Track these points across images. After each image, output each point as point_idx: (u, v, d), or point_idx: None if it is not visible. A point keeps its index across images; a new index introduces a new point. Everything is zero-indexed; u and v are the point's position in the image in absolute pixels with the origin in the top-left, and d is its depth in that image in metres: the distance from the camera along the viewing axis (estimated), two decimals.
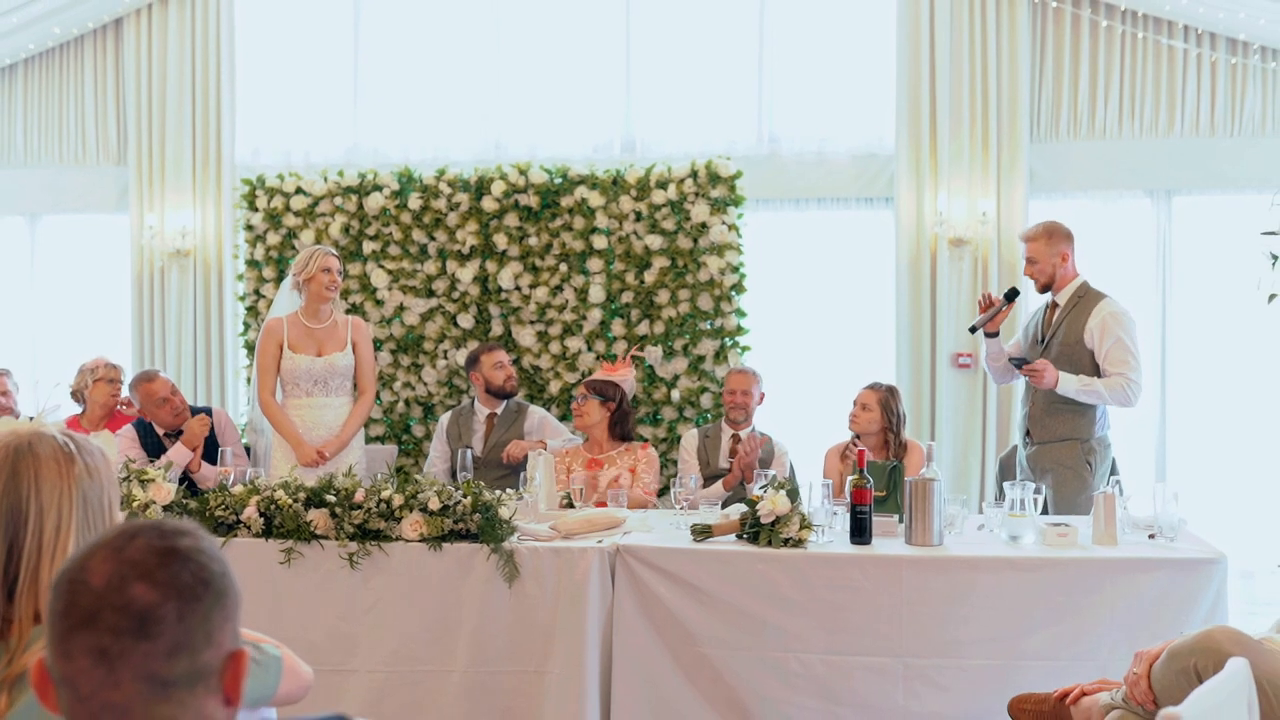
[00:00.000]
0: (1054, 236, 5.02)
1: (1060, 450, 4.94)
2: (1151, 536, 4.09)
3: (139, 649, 1.27)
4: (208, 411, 5.67)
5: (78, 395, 5.96)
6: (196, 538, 1.36)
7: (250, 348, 6.52)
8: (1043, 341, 5.08)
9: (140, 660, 1.28)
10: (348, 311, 6.34)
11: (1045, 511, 4.86)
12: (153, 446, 5.51)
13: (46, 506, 1.82)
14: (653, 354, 6.42)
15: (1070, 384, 4.87)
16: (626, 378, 5.65)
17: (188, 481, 5.29)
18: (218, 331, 7.63)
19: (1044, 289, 5.09)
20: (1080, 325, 4.93)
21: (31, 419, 1.97)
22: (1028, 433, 5.11)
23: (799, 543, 4.02)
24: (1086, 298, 4.99)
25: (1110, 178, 7.10)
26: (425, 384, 6.70)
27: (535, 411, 5.90)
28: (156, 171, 7.72)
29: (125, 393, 5.94)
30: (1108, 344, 4.85)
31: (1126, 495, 4.25)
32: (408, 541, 4.09)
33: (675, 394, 6.43)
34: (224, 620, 1.34)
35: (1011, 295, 5.16)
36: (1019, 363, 5.09)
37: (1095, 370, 4.90)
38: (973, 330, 5.18)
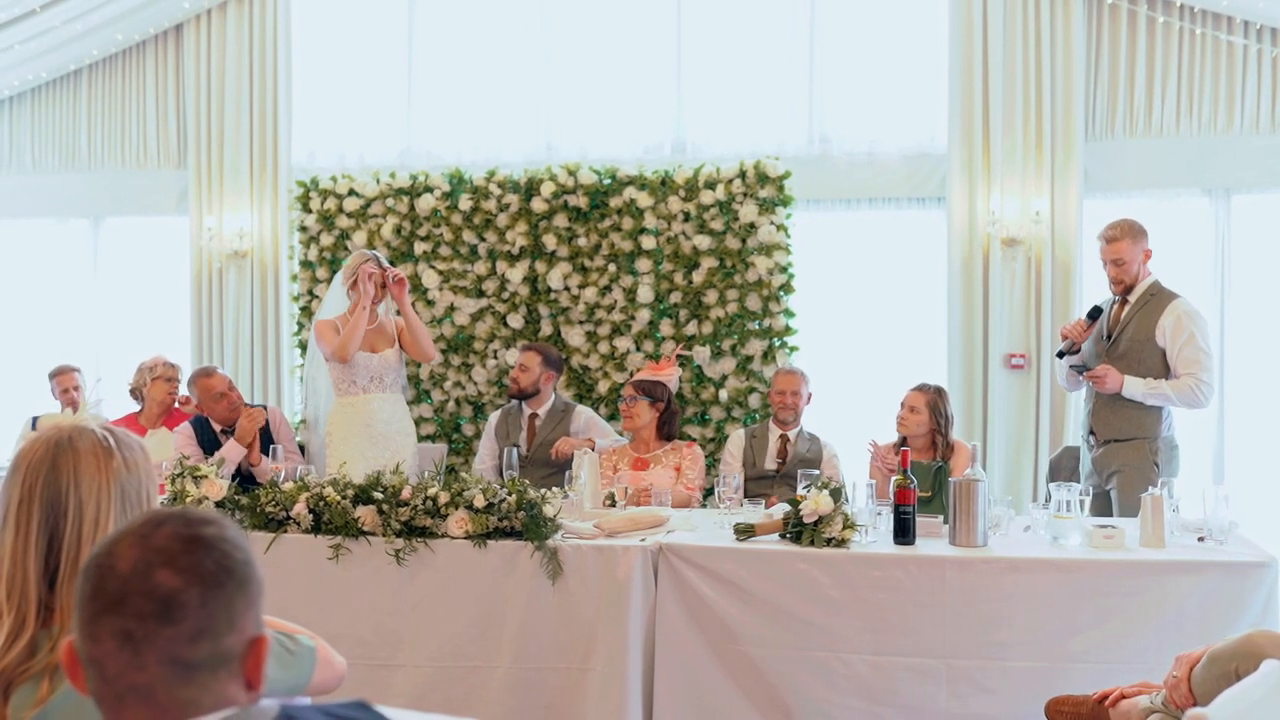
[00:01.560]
0: (1138, 234, 4.94)
1: (1127, 450, 4.87)
2: (1201, 539, 4.03)
3: (163, 633, 1.32)
4: (263, 409, 5.76)
5: (136, 393, 6.09)
6: (221, 526, 1.40)
7: (304, 347, 6.62)
8: (1109, 338, 4.97)
9: (164, 644, 1.32)
10: (398, 312, 6.43)
11: (1110, 513, 4.81)
12: (209, 443, 5.61)
13: (85, 499, 1.88)
14: (701, 354, 6.43)
15: (1136, 387, 4.78)
16: (672, 376, 5.66)
17: (240, 477, 5.36)
18: (274, 331, 7.75)
19: (1127, 290, 4.97)
20: (1152, 323, 4.84)
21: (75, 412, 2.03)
22: (1091, 432, 5.02)
23: (842, 542, 4.01)
24: (1159, 296, 4.90)
25: (1167, 176, 6.98)
26: (475, 383, 6.76)
27: (582, 411, 5.94)
28: (215, 174, 7.86)
29: (184, 391, 6.07)
30: (1180, 342, 4.76)
31: (1176, 497, 4.18)
32: (453, 538, 4.14)
33: (723, 394, 6.44)
34: (246, 607, 1.38)
35: (1094, 314, 5.06)
36: (1080, 369, 5.01)
37: (1164, 368, 4.81)
38: (1060, 355, 5.15)
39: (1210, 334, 4.90)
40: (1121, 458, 4.87)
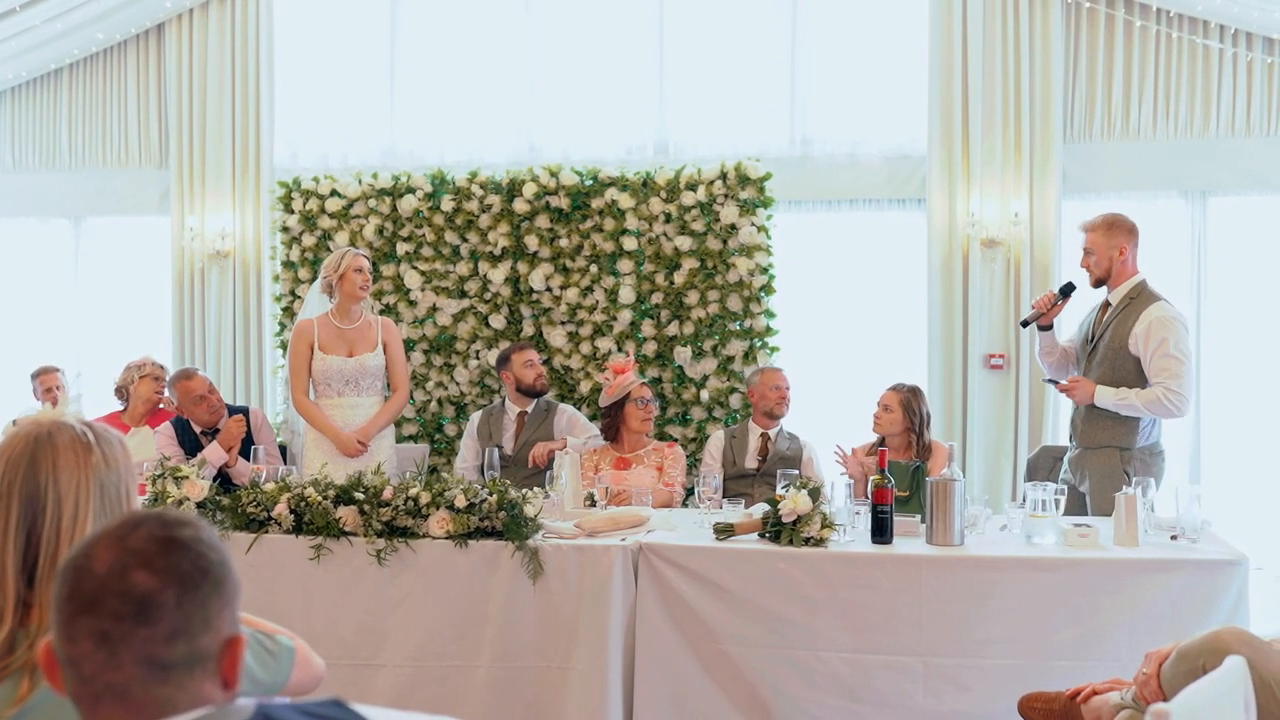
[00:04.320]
0: (1114, 228, 4.79)
1: (1099, 457, 4.80)
2: (1174, 538, 4.07)
3: (139, 633, 1.34)
4: (245, 411, 5.77)
5: (122, 391, 6.10)
6: (197, 528, 1.42)
7: (285, 348, 6.62)
8: (1091, 341, 4.89)
9: (140, 644, 1.34)
10: (380, 312, 6.46)
11: (1086, 512, 4.83)
12: (190, 444, 5.61)
13: (64, 494, 1.88)
14: (682, 354, 6.46)
15: (1107, 397, 4.70)
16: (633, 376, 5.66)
17: (222, 478, 5.38)
18: (256, 332, 7.76)
19: (1098, 283, 4.86)
20: (1126, 330, 4.71)
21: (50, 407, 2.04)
22: (1072, 436, 5.01)
23: (820, 542, 4.04)
24: (1138, 300, 4.75)
25: (1144, 178, 7.05)
26: (457, 384, 6.77)
27: (565, 410, 5.96)
28: (197, 174, 7.86)
29: (165, 392, 6.08)
30: (1152, 350, 4.62)
31: (1150, 497, 4.22)
32: (434, 538, 4.16)
33: (704, 394, 6.47)
34: (222, 607, 1.40)
35: (1067, 290, 4.96)
36: (1051, 382, 5.02)
37: (1141, 376, 4.70)
38: (1024, 324, 5.08)
39: (1189, 340, 4.76)
40: (1092, 464, 4.82)
